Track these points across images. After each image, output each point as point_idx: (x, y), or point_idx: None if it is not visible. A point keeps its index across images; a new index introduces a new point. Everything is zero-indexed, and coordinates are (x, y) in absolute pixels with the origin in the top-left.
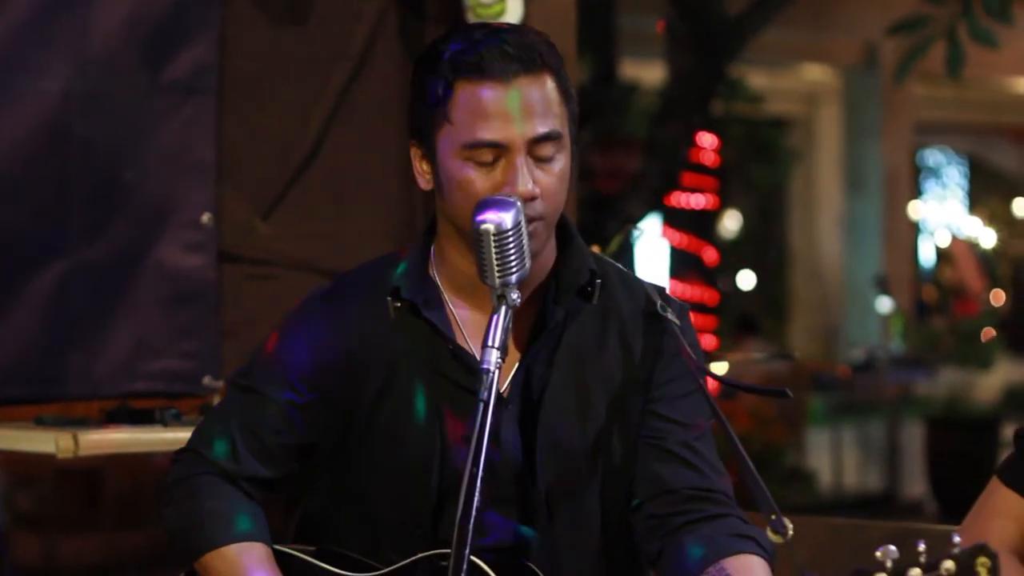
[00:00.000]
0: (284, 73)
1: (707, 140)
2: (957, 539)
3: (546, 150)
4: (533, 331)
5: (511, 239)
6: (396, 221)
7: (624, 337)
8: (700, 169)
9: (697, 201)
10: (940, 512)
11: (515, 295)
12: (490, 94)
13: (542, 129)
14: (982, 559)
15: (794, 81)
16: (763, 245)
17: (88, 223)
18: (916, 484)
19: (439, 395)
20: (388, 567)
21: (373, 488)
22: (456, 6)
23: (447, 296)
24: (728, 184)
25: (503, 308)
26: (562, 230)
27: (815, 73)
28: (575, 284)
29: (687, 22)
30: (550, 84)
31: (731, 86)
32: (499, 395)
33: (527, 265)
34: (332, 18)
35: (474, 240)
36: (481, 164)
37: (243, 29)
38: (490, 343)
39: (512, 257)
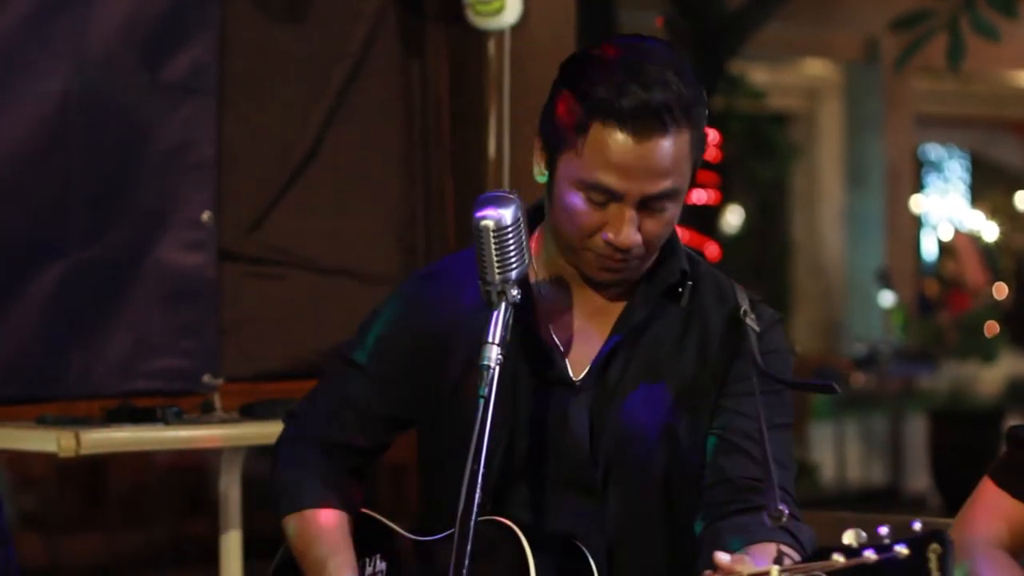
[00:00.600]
0: (283, 72)
1: (709, 136)
2: (917, 526)
3: (661, 204)
4: (618, 324)
5: (511, 235)
6: (396, 219)
7: (705, 340)
8: (702, 165)
9: (699, 197)
10: (944, 505)
11: (515, 291)
12: (622, 145)
13: (661, 188)
14: (934, 546)
15: (795, 76)
16: (765, 240)
17: (88, 222)
18: (920, 478)
19: (516, 381)
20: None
21: (447, 465)
22: (455, 4)
23: (538, 287)
24: (730, 179)
25: (503, 305)
26: None
27: (816, 68)
28: (664, 283)
29: (687, 18)
30: (683, 140)
31: (732, 82)
32: (571, 380)
33: (527, 261)
34: (331, 17)
35: (474, 236)
36: (594, 199)
37: (242, 28)
38: (490, 339)
39: (512, 254)
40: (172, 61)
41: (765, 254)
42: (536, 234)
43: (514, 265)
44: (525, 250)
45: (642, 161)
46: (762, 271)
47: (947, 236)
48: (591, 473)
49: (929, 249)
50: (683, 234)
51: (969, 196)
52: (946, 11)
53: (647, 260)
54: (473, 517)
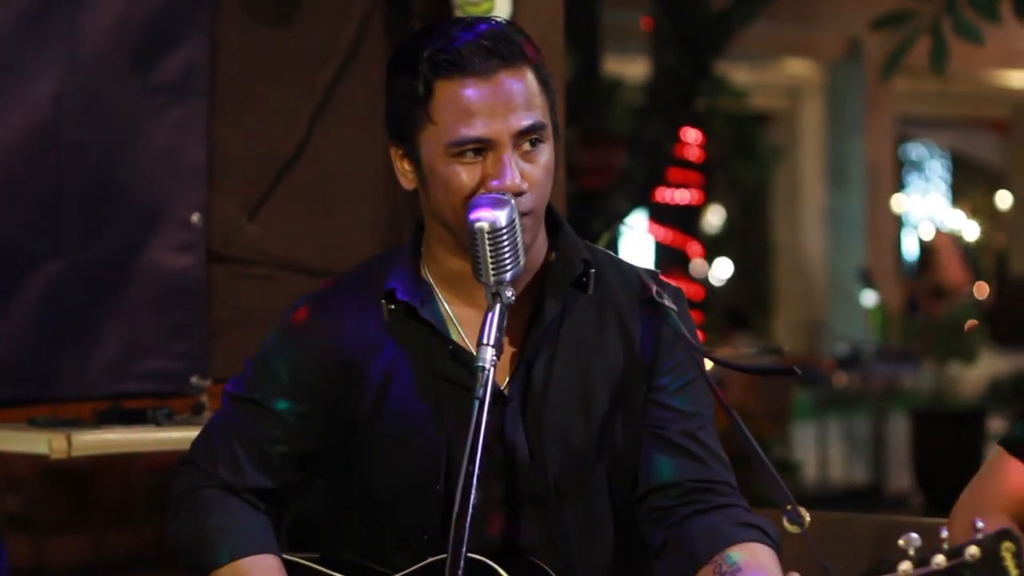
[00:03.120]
0: (271, 73)
1: (691, 136)
2: (980, 524)
3: (531, 143)
4: (530, 325)
5: (505, 237)
6: (382, 220)
7: (623, 325)
8: (685, 165)
9: (682, 197)
10: (926, 505)
11: (509, 292)
12: (472, 91)
13: (526, 122)
14: (1007, 543)
15: (777, 76)
16: (747, 240)
17: (79, 224)
18: (902, 477)
19: (440, 396)
20: (397, 573)
21: (378, 494)
22: (444, 5)
23: (441, 295)
24: (712, 180)
25: (498, 306)
26: (551, 221)
27: (798, 68)
28: (569, 275)
29: (672, 18)
30: (530, 76)
31: (715, 82)
32: (500, 392)
33: (521, 262)
34: (319, 19)
35: (468, 239)
36: (467, 161)
37: (231, 30)
38: (485, 341)
39: (507, 255)
40: (163, 63)
41: (747, 254)
42: (423, 254)
43: (509, 266)
44: (520, 250)
45: (496, 98)
46: (744, 271)
47: (928, 236)
48: (540, 482)
49: (910, 249)
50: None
51: (950, 195)
52: (928, 13)
53: (538, 218)
54: (468, 519)
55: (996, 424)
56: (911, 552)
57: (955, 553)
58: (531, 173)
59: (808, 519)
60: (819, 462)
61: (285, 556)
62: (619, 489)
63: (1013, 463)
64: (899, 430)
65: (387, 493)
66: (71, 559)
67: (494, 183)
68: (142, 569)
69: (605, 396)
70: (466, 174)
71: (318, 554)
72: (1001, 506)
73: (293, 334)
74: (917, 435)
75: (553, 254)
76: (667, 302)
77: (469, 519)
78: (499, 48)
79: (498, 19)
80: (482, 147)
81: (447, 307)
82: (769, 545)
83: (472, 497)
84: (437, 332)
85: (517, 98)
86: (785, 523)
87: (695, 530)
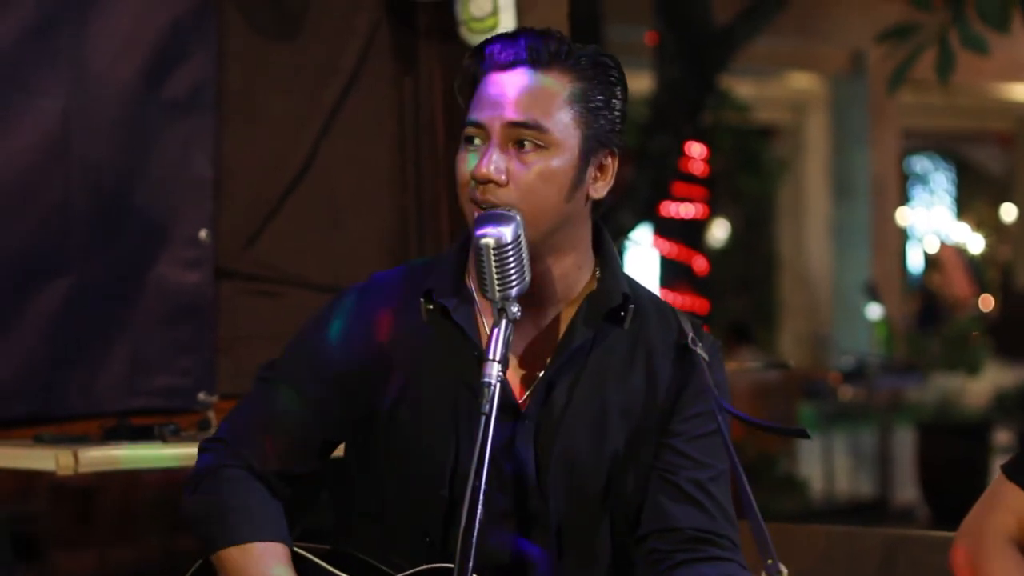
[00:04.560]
0: (278, 88)
1: (696, 150)
2: None
3: (521, 143)
4: (560, 348)
5: (511, 253)
6: (390, 235)
7: (651, 366)
8: (690, 179)
9: (687, 211)
10: (932, 518)
11: (515, 308)
12: (487, 81)
13: (518, 117)
14: None
15: (781, 89)
16: (751, 253)
17: (87, 241)
18: (908, 490)
19: (458, 402)
20: (398, 573)
21: (386, 491)
22: (449, 20)
23: (480, 304)
24: (717, 193)
25: (503, 322)
26: (600, 250)
27: (802, 81)
28: (606, 306)
29: (676, 33)
30: (555, 82)
31: (719, 96)
32: (517, 407)
33: (527, 279)
34: (325, 33)
35: (474, 254)
36: (470, 148)
37: (238, 45)
38: (491, 356)
39: (512, 271)
40: (171, 78)
41: (752, 267)
42: (470, 260)
43: (515, 282)
44: (526, 267)
45: (501, 88)
46: (749, 284)
47: (933, 248)
48: (539, 503)
49: (916, 262)
50: (670, 248)
51: (955, 208)
52: (934, 24)
53: (528, 220)
54: (475, 534)
55: (1002, 437)
56: None
57: None
58: (517, 173)
59: (785, 574)
60: (825, 475)
61: (295, 546)
62: (622, 525)
63: (1013, 489)
64: (905, 443)
65: (394, 492)
66: (77, 573)
67: (471, 168)
68: None
69: (620, 431)
70: (463, 161)
71: (328, 546)
72: (1004, 533)
73: (330, 320)
74: (923, 448)
75: (597, 283)
76: (701, 351)
77: (475, 534)
78: (528, 51)
79: (558, 34)
80: (479, 135)
81: (482, 317)
82: None
83: (479, 512)
84: (467, 336)
85: (522, 93)
86: (720, 568)
87: (683, 575)
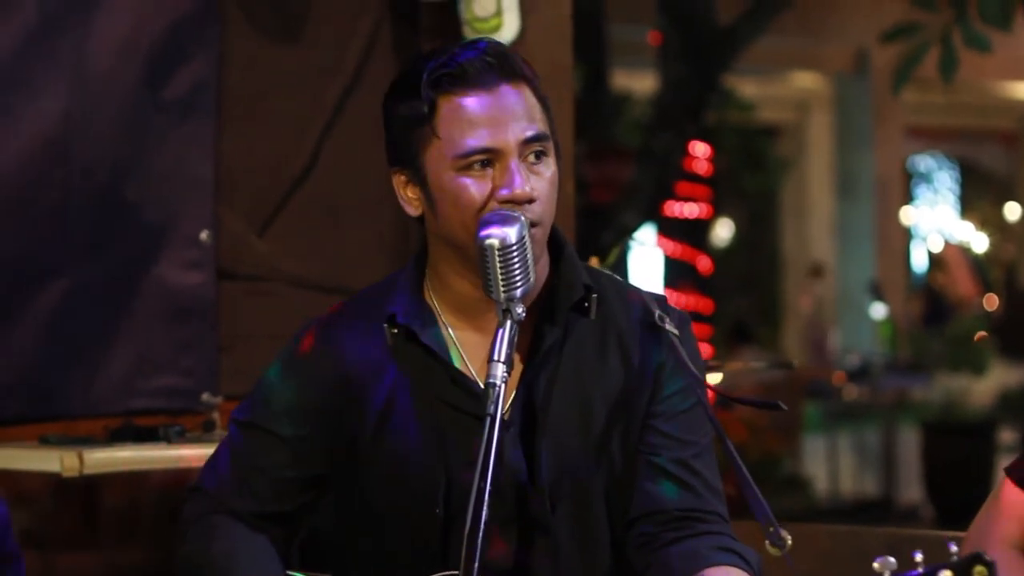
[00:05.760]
0: (279, 89)
1: (700, 149)
2: (954, 548)
3: (537, 154)
4: (531, 349)
5: (516, 254)
6: (391, 236)
7: (623, 350)
8: (693, 178)
9: (691, 210)
10: (937, 517)
11: (520, 309)
12: (475, 102)
13: (530, 132)
14: (979, 568)
15: (785, 89)
16: (755, 252)
17: (89, 241)
18: (912, 490)
19: (441, 420)
20: None
21: (381, 515)
22: (452, 20)
23: (445, 319)
24: (720, 192)
25: (508, 323)
26: (554, 243)
27: (806, 80)
28: (570, 300)
29: (679, 32)
30: (528, 92)
31: (723, 95)
32: (501, 416)
33: (531, 279)
34: (327, 33)
35: (479, 256)
36: (475, 174)
37: (239, 46)
38: (496, 357)
39: (517, 272)
40: (172, 79)
41: (755, 266)
42: (427, 276)
43: (519, 283)
44: (530, 268)
45: (500, 109)
46: (752, 283)
47: (937, 248)
48: (537, 505)
49: (919, 261)
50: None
51: (959, 207)
52: (937, 23)
53: (545, 232)
54: (480, 536)
55: (1006, 436)
56: (886, 574)
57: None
58: (537, 185)
59: (790, 541)
60: (830, 475)
61: (293, 575)
62: (616, 513)
63: (1018, 494)
64: (909, 442)
65: (388, 515)
66: (82, 574)
67: (503, 192)
68: None
69: (604, 420)
70: (475, 187)
71: (328, 575)
72: (1009, 542)
73: (298, 362)
74: (927, 447)
75: (555, 278)
76: (669, 327)
77: (480, 537)
78: (500, 62)
79: (493, 39)
80: (488, 158)
81: (451, 331)
82: (746, 570)
83: (484, 514)
84: (437, 356)
85: (519, 109)
86: (767, 545)
87: (675, 553)
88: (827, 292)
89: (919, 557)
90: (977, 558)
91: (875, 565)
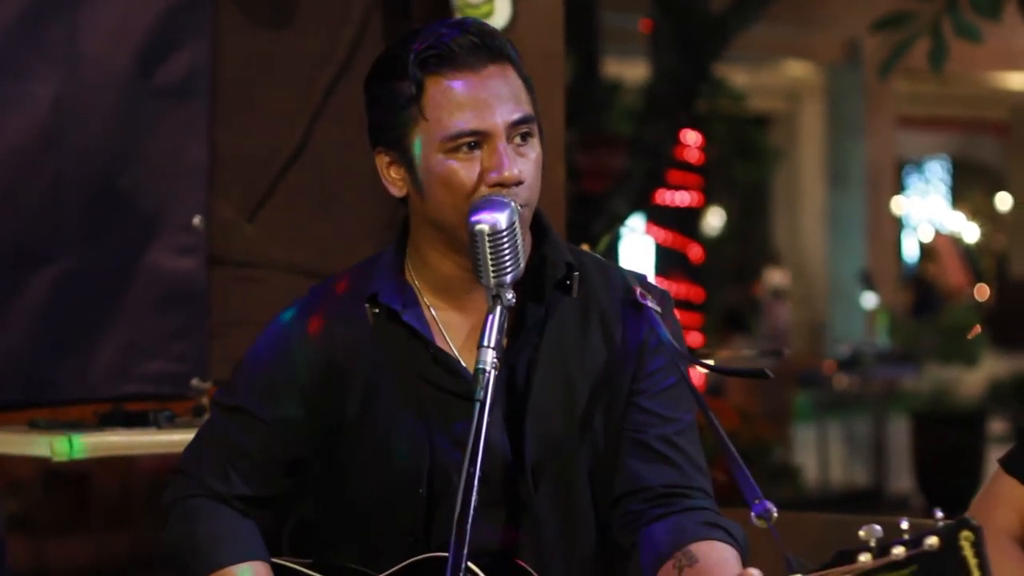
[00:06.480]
0: (270, 76)
1: (691, 138)
2: (940, 514)
3: (523, 136)
4: (513, 329)
5: (506, 239)
6: (381, 222)
7: (606, 328)
8: (685, 167)
9: (682, 199)
10: (927, 506)
11: (510, 295)
12: (462, 84)
13: (517, 114)
14: (965, 533)
15: (777, 78)
16: (746, 242)
17: (81, 227)
18: (902, 479)
19: (424, 400)
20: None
21: (365, 497)
22: (443, 8)
23: (426, 299)
24: (711, 182)
25: (498, 308)
26: (536, 224)
27: (797, 70)
28: (552, 278)
29: (671, 20)
30: (513, 73)
31: (714, 84)
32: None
33: (521, 264)
34: (318, 20)
35: (469, 241)
36: (463, 156)
37: (231, 33)
38: (486, 343)
39: (507, 257)
40: (164, 66)
41: (747, 256)
42: (409, 257)
43: (509, 268)
44: (520, 253)
45: (488, 90)
46: (744, 273)
47: (928, 238)
48: (522, 484)
49: (910, 251)
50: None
51: (950, 197)
52: (928, 13)
53: (530, 209)
54: (469, 520)
55: (997, 426)
56: (871, 543)
57: (914, 543)
58: (524, 167)
59: (775, 514)
60: (820, 464)
61: (277, 561)
62: (601, 492)
63: (1012, 484)
64: (900, 432)
65: (372, 497)
66: (72, 560)
67: (493, 175)
68: (142, 570)
69: (588, 398)
70: (464, 170)
71: (311, 559)
72: (1006, 531)
73: (278, 340)
74: (918, 437)
75: (536, 257)
76: (651, 304)
77: (470, 520)
78: (486, 43)
79: (478, 20)
80: (476, 140)
81: (433, 312)
82: (732, 545)
83: (473, 498)
84: (419, 335)
85: (506, 91)
86: (752, 518)
87: (661, 528)
88: (818, 282)
89: (905, 524)
90: (963, 523)
91: (861, 533)
